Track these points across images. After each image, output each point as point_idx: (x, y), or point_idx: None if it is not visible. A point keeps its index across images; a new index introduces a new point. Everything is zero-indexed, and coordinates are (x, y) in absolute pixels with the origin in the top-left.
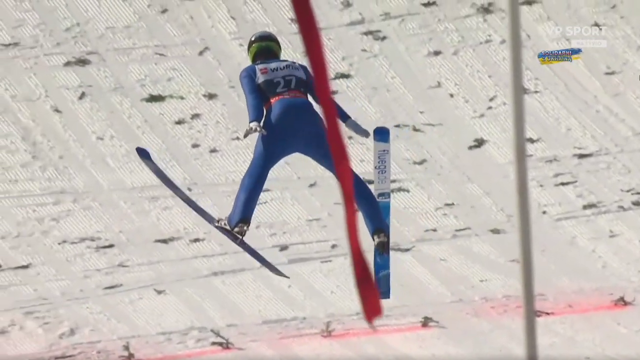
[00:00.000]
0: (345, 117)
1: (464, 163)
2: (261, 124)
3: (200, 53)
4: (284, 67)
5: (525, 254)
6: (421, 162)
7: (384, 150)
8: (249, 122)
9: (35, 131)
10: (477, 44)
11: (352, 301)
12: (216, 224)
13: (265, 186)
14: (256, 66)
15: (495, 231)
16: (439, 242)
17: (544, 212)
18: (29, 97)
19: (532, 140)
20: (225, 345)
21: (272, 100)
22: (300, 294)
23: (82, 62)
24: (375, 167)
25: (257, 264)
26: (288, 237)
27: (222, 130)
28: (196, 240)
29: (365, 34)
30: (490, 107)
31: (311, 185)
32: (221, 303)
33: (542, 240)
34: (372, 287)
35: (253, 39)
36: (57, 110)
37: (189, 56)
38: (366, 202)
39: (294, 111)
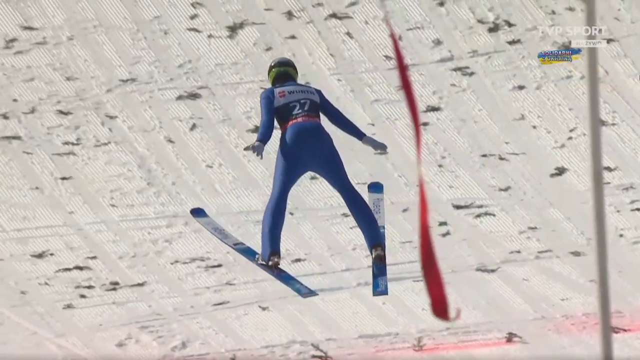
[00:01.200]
0: (361, 135)
1: (546, 190)
2: (263, 147)
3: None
4: (299, 91)
5: (601, 274)
6: (506, 189)
7: (378, 199)
8: (256, 140)
9: (150, 159)
10: (559, 79)
11: None
12: (257, 262)
13: None
14: (275, 89)
15: (576, 253)
16: (522, 263)
17: (621, 236)
18: (144, 128)
19: (609, 169)
20: (325, 357)
21: (288, 124)
22: (394, 310)
23: (193, 96)
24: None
25: (354, 282)
26: None
27: None
28: (297, 260)
29: (455, 70)
30: (570, 138)
31: (404, 210)
32: (320, 319)
33: (619, 261)
34: (438, 274)
35: (273, 64)
36: (170, 140)
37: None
38: (365, 219)
39: (306, 134)
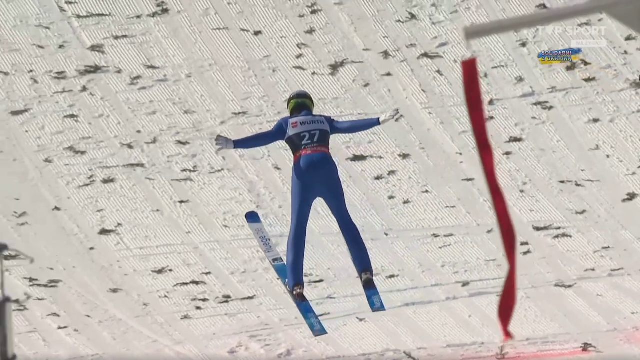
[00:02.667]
0: (377, 122)
1: (618, 213)
2: (230, 145)
3: (397, 120)
4: (310, 122)
5: None
6: (582, 212)
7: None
8: (233, 140)
9: (259, 185)
10: (630, 113)
11: (522, 329)
12: (285, 286)
13: (449, 231)
14: (289, 119)
15: None
16: (596, 280)
17: None
18: (254, 156)
19: None
20: None
21: (299, 154)
22: (479, 322)
23: None
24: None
25: (443, 296)
26: (469, 274)
27: (414, 185)
28: (391, 276)
29: (535, 104)
30: None
31: (489, 232)
32: (412, 329)
33: None
34: (513, 292)
35: (292, 96)
36: (277, 168)
37: (387, 123)
38: (356, 247)
39: (315, 165)
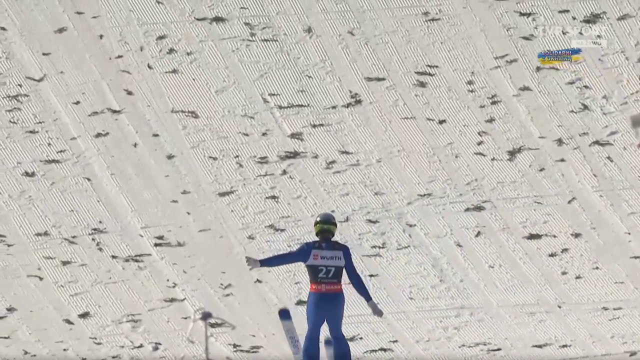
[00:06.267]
0: (368, 299)
1: None
2: (258, 266)
3: (569, 202)
4: (329, 257)
5: None
6: None
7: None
8: (261, 259)
9: (442, 260)
10: None
11: None
12: None
13: (618, 305)
14: (313, 250)
15: None
16: None
17: None
18: (438, 234)
19: None
20: None
21: (315, 287)
22: None
23: (478, 208)
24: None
25: None
26: (637, 345)
27: (585, 262)
28: (564, 346)
29: None
30: None
31: None
32: None
33: None
34: None
35: (319, 219)
36: (459, 245)
37: (560, 204)
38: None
39: (326, 302)
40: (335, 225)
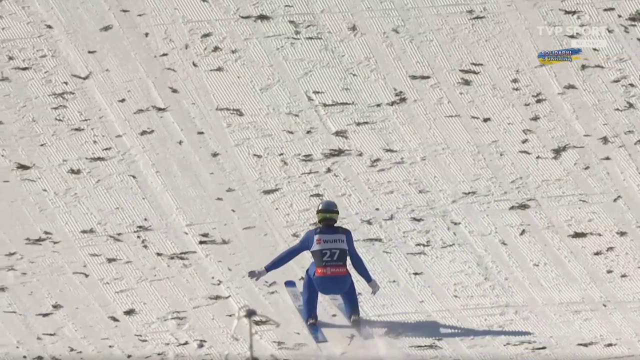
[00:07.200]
0: (369, 279)
1: None
2: (264, 274)
3: (615, 200)
4: (333, 241)
5: None
6: None
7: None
8: (265, 265)
9: (487, 258)
10: None
11: None
12: (306, 322)
13: None
14: (315, 236)
15: None
16: None
17: None
18: (482, 232)
19: None
20: None
21: (318, 272)
22: None
23: (523, 206)
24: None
25: None
26: None
27: (631, 260)
28: (609, 345)
29: None
30: None
31: None
32: None
33: None
34: None
35: (320, 207)
36: (503, 243)
37: (605, 202)
38: (349, 298)
39: (330, 285)
40: (337, 212)
